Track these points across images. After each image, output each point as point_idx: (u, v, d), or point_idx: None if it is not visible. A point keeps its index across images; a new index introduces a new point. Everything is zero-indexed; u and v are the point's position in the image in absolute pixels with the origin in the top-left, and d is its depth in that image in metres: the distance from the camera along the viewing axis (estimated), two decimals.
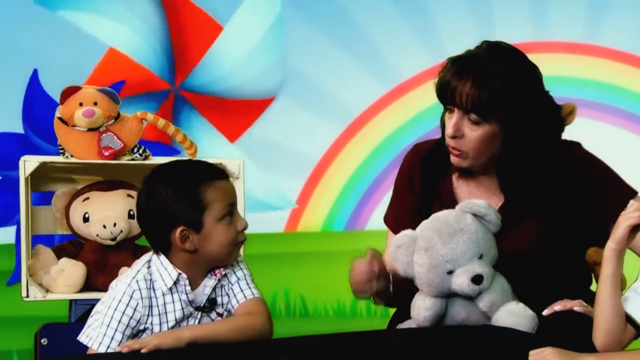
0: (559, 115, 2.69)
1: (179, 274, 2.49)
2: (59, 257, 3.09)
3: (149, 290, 2.49)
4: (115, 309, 2.47)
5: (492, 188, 2.68)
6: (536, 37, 4.31)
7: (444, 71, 2.60)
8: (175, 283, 2.50)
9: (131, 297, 2.48)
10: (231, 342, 2.44)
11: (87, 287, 3.07)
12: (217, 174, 2.52)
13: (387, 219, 2.84)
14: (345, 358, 2.36)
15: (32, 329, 3.04)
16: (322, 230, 4.46)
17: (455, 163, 2.63)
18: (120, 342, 2.46)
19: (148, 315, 2.49)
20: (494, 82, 2.54)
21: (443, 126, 2.64)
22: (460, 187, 2.72)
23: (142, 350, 2.37)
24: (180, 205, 2.44)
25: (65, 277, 3.04)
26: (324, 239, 4.45)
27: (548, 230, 2.64)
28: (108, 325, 2.47)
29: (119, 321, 2.47)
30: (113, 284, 2.54)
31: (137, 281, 2.49)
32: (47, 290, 3.05)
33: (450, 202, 2.66)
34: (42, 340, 2.99)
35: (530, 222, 2.64)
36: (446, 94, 2.58)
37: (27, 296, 3.01)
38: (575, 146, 2.70)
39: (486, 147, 2.59)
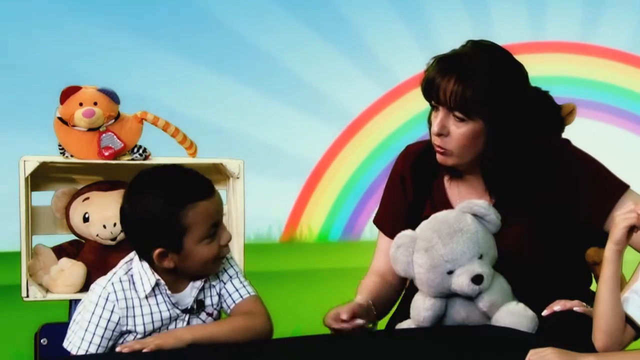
0: (559, 115, 2.68)
1: (157, 279, 2.45)
2: (59, 257, 3.09)
3: (127, 292, 2.46)
4: (93, 313, 2.45)
5: (482, 189, 2.67)
6: (535, 37, 4.30)
7: (429, 69, 2.60)
8: (157, 285, 2.47)
9: (107, 299, 2.44)
10: (232, 343, 2.43)
11: (87, 287, 3.04)
12: (201, 192, 2.42)
13: (378, 220, 2.84)
14: (345, 358, 2.36)
15: (32, 329, 3.04)
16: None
17: (440, 161, 2.63)
18: (99, 345, 2.44)
19: (128, 317, 2.46)
20: (477, 80, 2.54)
21: (430, 125, 2.64)
22: (452, 189, 2.72)
23: (144, 350, 2.37)
24: (160, 229, 2.38)
25: (65, 277, 3.04)
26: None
27: (540, 230, 2.63)
28: (86, 330, 2.44)
29: (97, 325, 2.44)
30: (92, 286, 2.51)
31: (112, 283, 2.45)
32: (47, 290, 3.05)
33: (442, 203, 2.67)
34: (42, 340, 2.99)
35: (521, 222, 2.63)
36: (431, 92, 2.58)
37: (27, 296, 3.01)
38: (564, 143, 2.70)
39: (471, 145, 2.59)
